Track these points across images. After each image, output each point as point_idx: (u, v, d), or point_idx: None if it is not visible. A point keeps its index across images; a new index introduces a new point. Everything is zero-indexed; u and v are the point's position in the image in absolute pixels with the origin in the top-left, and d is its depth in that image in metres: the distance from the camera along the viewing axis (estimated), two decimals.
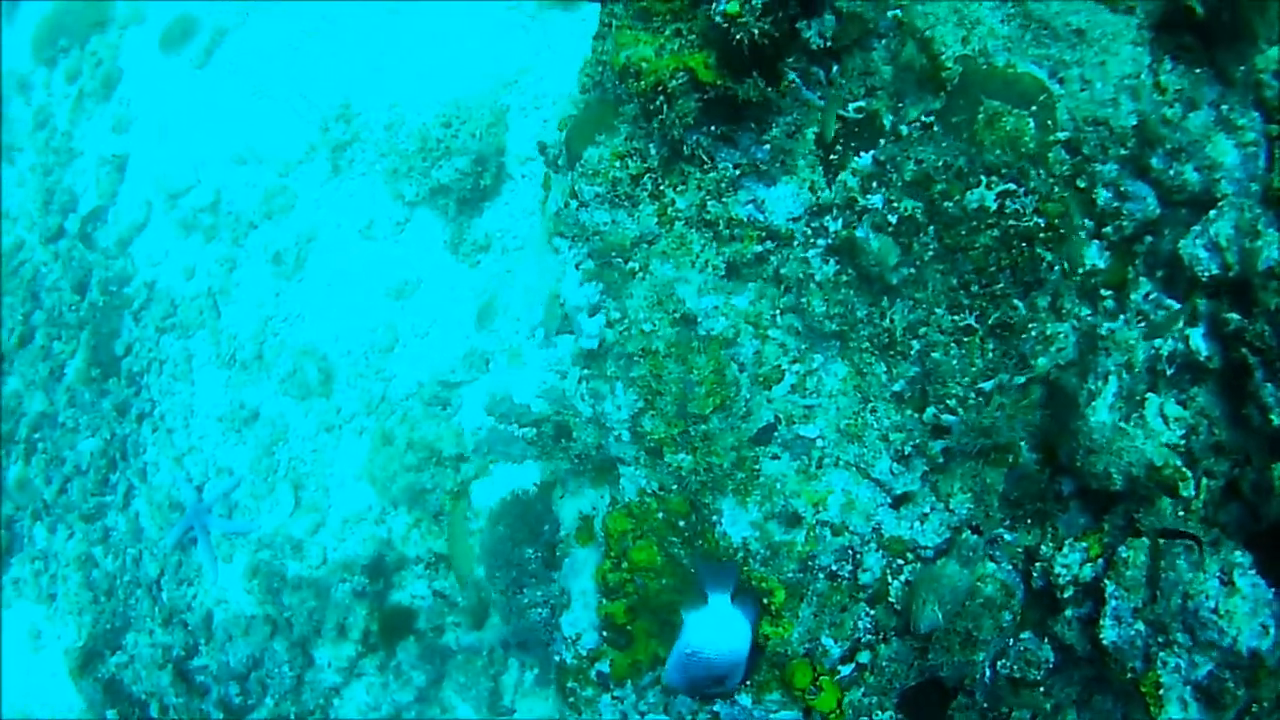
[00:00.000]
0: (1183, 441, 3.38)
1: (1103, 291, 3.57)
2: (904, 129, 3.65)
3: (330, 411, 6.55)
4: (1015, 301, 3.48)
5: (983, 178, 3.51)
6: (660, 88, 3.53)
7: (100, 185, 8.06)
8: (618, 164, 3.83)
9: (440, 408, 6.14)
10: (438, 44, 7.01)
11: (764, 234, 3.76)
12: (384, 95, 7.03)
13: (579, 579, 4.10)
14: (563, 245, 4.03)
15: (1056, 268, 3.50)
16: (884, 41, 3.71)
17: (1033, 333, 3.47)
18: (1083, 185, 3.56)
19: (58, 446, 7.52)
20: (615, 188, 3.84)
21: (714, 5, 3.32)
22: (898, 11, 3.62)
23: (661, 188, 3.83)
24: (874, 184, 3.65)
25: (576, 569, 4.13)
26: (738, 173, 3.76)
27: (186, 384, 7.17)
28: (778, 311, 3.75)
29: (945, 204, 3.51)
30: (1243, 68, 3.48)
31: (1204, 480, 3.38)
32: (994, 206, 3.46)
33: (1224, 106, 3.52)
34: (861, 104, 3.71)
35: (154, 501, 7.09)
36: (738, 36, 3.31)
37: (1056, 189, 3.50)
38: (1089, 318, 3.54)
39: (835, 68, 3.74)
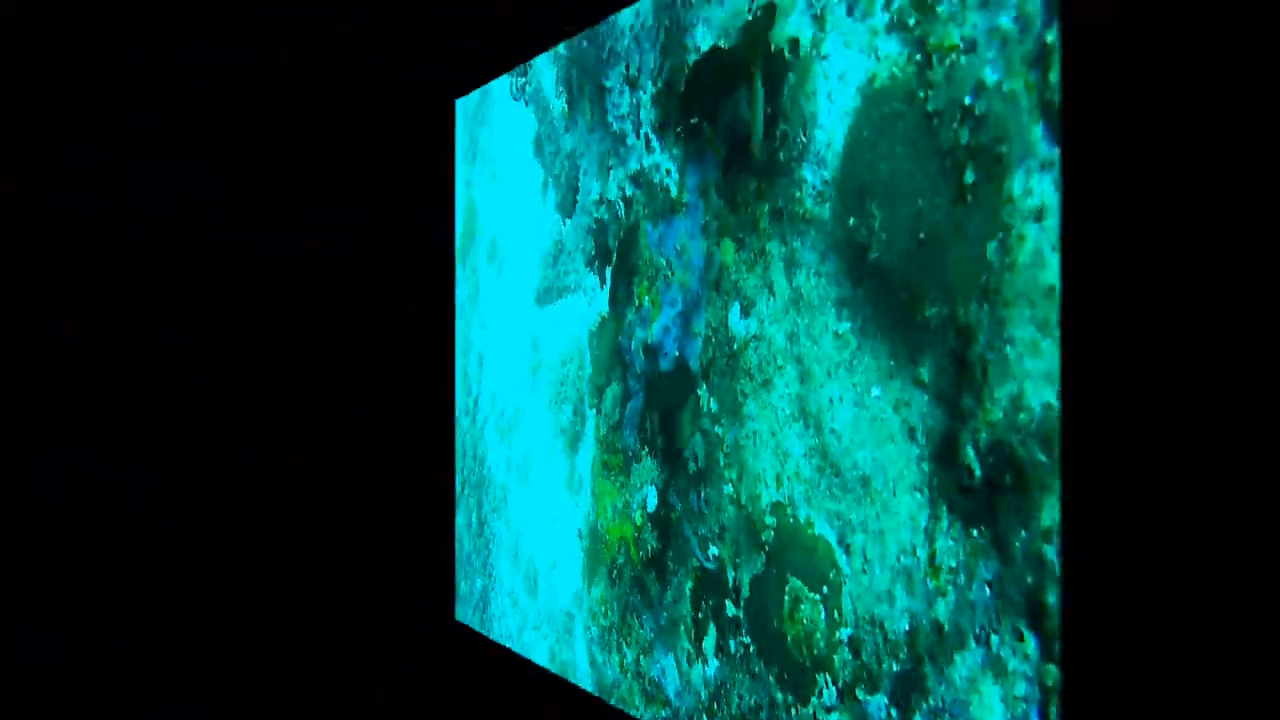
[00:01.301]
0: None
1: None
2: (731, 649, 2.99)
3: None
4: None
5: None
6: None
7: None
8: None
9: None
10: None
11: None
12: None
13: None
14: None
15: None
16: (729, 471, 3.05)
17: None
18: (861, 696, 2.75)
19: None
20: None
21: None
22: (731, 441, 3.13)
23: None
24: None
25: None
26: None
27: None
28: None
29: None
30: (1024, 533, 2.30)
31: None
32: None
33: (994, 639, 2.33)
34: (714, 551, 3.30)
35: None
36: None
37: None
38: None
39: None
